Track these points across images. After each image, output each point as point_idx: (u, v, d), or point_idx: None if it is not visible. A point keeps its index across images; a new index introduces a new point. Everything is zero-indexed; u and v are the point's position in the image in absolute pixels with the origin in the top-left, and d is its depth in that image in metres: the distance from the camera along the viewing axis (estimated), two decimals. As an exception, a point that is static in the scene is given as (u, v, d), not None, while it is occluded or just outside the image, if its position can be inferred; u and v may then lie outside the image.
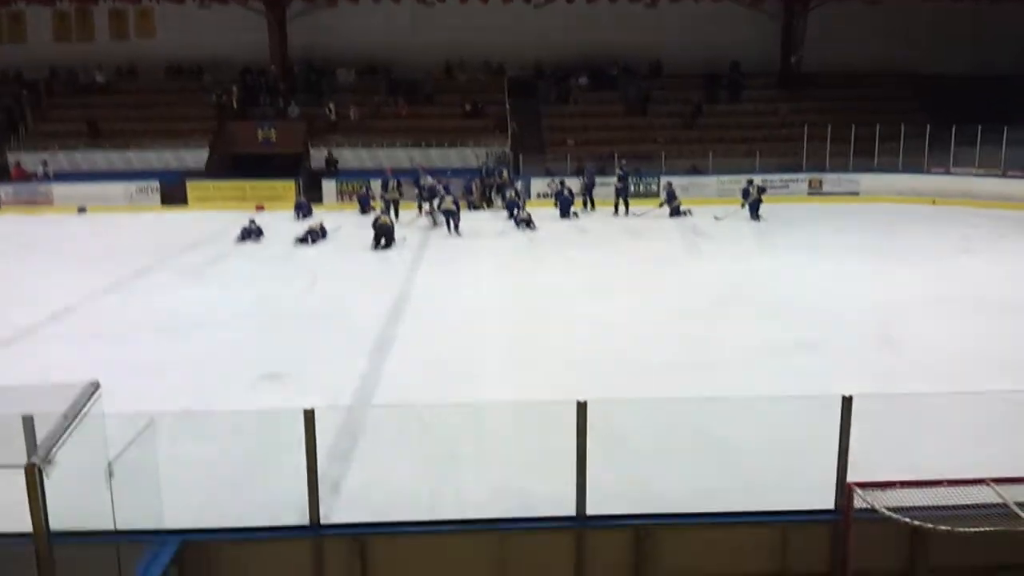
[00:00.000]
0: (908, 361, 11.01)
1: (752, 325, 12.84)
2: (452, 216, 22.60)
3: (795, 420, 6.80)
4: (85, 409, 5.08)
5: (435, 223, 23.38)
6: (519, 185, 27.36)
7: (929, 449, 7.26)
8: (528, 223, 23.14)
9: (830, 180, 29.04)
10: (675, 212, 24.78)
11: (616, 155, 27.47)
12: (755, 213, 24.27)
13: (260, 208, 25.57)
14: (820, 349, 11.53)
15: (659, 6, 32.14)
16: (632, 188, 26.63)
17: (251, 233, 21.24)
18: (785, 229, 22.68)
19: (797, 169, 29.38)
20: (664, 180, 26.98)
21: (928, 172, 28.14)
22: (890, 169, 28.52)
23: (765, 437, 7.53)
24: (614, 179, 25.91)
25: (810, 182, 29.12)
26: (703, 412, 7.30)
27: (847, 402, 5.91)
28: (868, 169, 28.81)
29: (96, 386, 6.12)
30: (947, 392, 7.43)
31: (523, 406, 6.85)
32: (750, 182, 25.35)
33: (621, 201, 25.58)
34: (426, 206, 24.70)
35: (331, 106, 31.18)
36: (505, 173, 27.90)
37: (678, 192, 25.45)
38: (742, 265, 17.97)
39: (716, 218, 24.02)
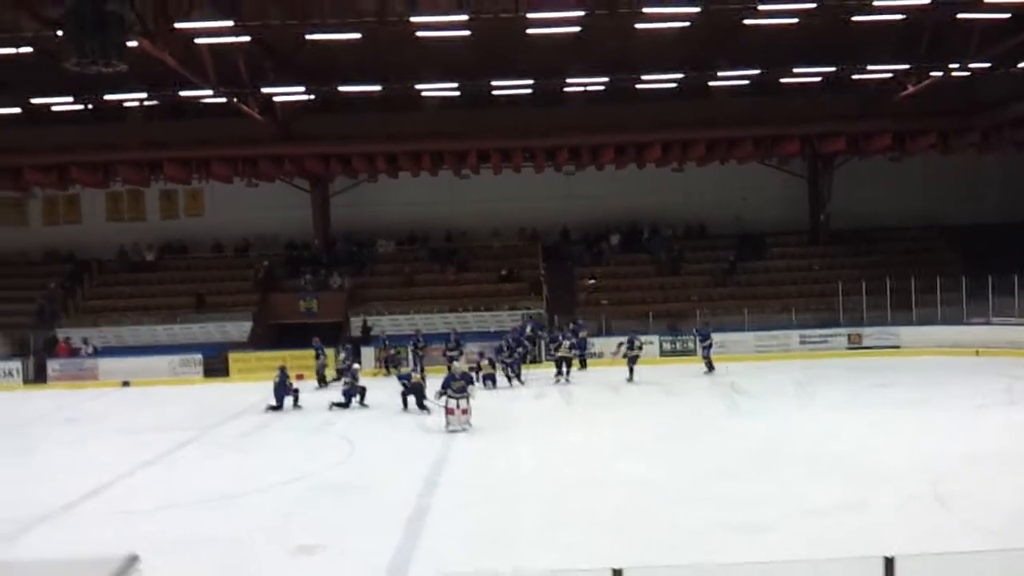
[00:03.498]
0: (960, 520, 10.57)
1: (794, 484, 12.47)
2: (491, 379, 23.84)
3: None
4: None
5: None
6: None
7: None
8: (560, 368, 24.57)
9: (869, 334, 28.83)
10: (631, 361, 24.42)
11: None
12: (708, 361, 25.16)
13: (300, 377, 25.82)
14: (866, 508, 11.12)
15: (687, 171, 32.83)
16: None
17: (285, 392, 21.39)
18: (826, 384, 22.39)
19: (835, 324, 29.29)
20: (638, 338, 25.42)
21: (968, 323, 27.89)
22: (930, 321, 28.32)
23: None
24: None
25: (849, 336, 28.91)
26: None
27: (889, 563, 5.67)
28: (907, 322, 28.63)
29: (135, 559, 6.04)
30: (998, 549, 7.08)
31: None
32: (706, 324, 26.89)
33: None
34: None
35: (369, 277, 32.35)
36: (537, 343, 28.04)
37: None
38: (782, 422, 17.65)
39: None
